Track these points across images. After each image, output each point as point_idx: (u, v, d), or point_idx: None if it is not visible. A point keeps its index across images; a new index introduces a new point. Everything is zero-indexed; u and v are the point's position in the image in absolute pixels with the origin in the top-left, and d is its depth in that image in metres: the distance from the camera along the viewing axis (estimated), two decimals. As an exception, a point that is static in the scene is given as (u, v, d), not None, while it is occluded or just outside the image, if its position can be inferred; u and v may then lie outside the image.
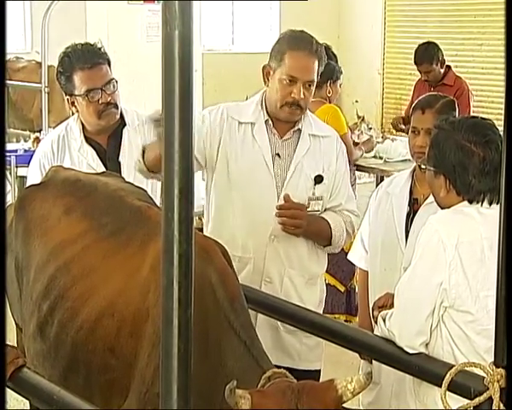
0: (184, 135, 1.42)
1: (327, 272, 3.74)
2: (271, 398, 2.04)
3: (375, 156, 6.66)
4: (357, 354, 3.20)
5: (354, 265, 3.64)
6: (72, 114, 3.60)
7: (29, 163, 3.69)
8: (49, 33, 6.36)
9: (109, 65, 3.48)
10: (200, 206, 3.40)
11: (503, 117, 1.79)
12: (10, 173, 5.85)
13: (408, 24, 11.03)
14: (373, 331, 2.84)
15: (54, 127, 4.38)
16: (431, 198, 2.95)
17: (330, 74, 5.56)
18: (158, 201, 3.10)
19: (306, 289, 3.37)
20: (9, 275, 2.86)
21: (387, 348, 2.60)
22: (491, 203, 2.61)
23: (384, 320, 2.63)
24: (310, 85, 3.24)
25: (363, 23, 11.60)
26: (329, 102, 5.70)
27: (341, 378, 2.03)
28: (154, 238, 2.44)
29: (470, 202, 2.63)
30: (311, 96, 3.30)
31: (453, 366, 2.31)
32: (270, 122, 3.30)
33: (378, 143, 6.85)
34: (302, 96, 3.20)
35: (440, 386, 2.27)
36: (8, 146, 6.19)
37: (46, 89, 6.41)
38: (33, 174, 3.48)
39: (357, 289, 4.44)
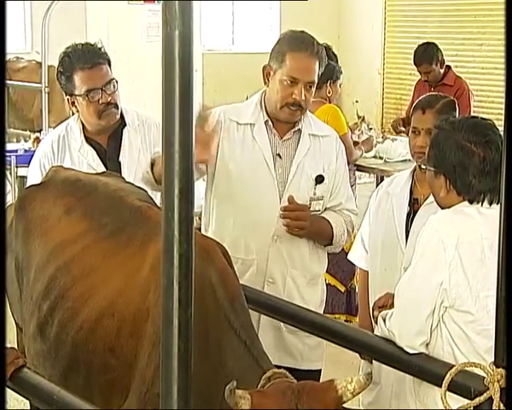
0: (184, 135, 1.42)
1: (327, 272, 3.74)
2: (271, 398, 2.04)
3: (375, 156, 6.66)
4: (357, 354, 3.19)
5: (354, 265, 3.65)
6: (73, 114, 3.60)
7: (29, 163, 3.68)
8: (49, 33, 6.36)
9: (109, 65, 3.48)
10: (200, 206, 3.40)
11: (503, 117, 1.79)
12: (10, 173, 5.85)
13: (408, 24, 11.03)
14: (373, 331, 2.84)
15: (54, 127, 4.38)
16: (431, 198, 2.94)
17: (330, 74, 5.55)
18: (158, 201, 3.09)
19: (308, 289, 3.37)
20: (9, 275, 2.86)
21: (387, 348, 2.59)
22: (491, 203, 2.61)
23: (384, 320, 2.63)
24: (310, 86, 3.24)
25: (363, 23, 11.60)
26: (329, 102, 5.70)
27: (341, 379, 2.03)
28: (155, 238, 2.44)
29: (470, 202, 2.63)
30: (312, 96, 3.30)
31: (453, 366, 2.31)
32: (270, 123, 3.30)
33: (378, 143, 6.84)
34: (303, 97, 3.20)
35: (440, 386, 2.27)
36: (9, 146, 6.19)
37: (46, 89, 6.41)
38: (33, 174, 3.48)
39: (357, 290, 4.44)
